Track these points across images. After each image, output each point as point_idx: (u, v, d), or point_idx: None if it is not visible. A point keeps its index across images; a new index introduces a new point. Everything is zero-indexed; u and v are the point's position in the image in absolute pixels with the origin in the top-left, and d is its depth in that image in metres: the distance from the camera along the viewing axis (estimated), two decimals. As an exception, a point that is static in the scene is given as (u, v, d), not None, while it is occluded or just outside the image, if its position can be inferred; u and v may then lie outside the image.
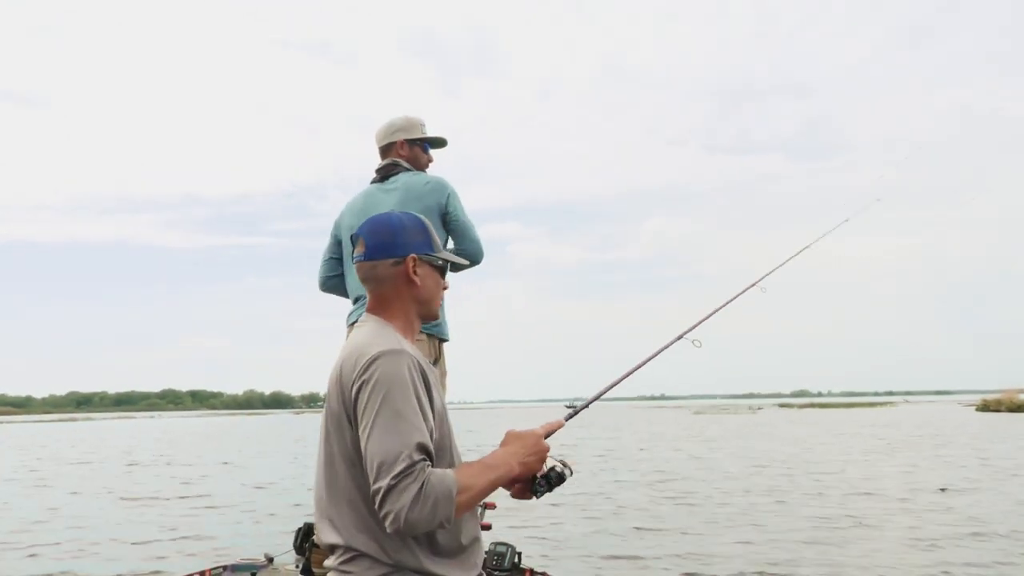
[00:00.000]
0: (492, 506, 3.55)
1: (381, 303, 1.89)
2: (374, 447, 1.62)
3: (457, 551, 1.77)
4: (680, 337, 2.55)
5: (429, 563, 1.70)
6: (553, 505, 10.34)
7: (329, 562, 1.75)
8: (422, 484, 1.58)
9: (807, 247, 3.43)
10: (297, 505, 11.04)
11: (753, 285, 3.00)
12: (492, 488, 1.76)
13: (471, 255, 3.48)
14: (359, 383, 1.68)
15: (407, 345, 1.78)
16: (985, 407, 49.92)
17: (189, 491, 13.52)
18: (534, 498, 1.91)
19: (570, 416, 2.14)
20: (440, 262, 1.95)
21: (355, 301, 3.55)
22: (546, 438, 1.91)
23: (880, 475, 14.02)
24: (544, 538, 8.39)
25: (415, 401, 1.67)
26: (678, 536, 8.49)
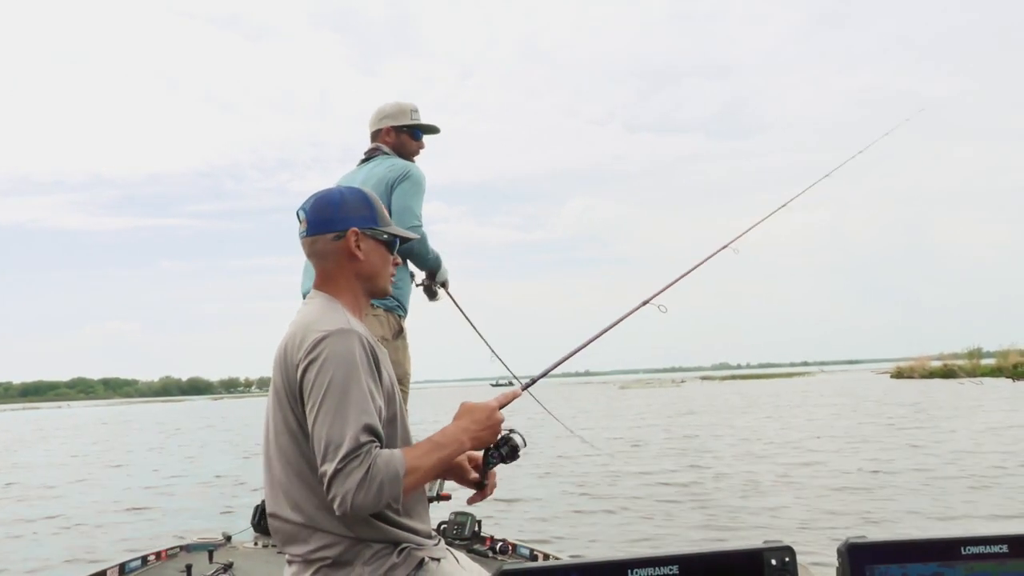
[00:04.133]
0: (447, 496, 3.60)
1: (326, 279, 1.82)
2: (321, 429, 1.58)
3: (411, 508, 1.75)
4: (646, 303, 2.41)
5: (388, 528, 1.68)
6: (511, 476, 10.28)
7: (293, 550, 1.68)
8: (368, 467, 1.55)
9: (784, 205, 3.29)
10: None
11: (725, 247, 2.87)
12: (443, 466, 1.72)
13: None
14: (306, 362, 1.63)
15: (355, 323, 1.72)
16: (899, 374, 52.24)
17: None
18: (484, 482, 1.88)
19: (527, 385, 2.06)
20: (385, 236, 1.86)
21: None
22: (501, 409, 1.82)
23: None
24: (502, 505, 8.53)
25: (364, 381, 1.62)
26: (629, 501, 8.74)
